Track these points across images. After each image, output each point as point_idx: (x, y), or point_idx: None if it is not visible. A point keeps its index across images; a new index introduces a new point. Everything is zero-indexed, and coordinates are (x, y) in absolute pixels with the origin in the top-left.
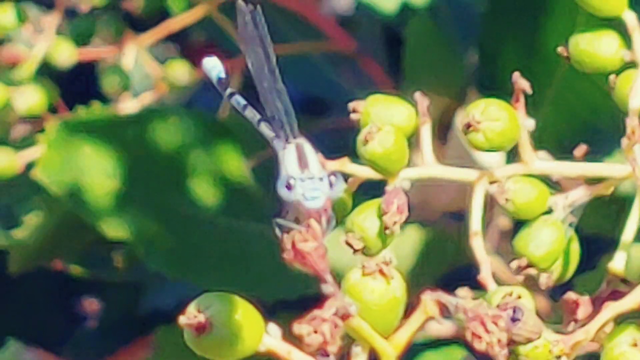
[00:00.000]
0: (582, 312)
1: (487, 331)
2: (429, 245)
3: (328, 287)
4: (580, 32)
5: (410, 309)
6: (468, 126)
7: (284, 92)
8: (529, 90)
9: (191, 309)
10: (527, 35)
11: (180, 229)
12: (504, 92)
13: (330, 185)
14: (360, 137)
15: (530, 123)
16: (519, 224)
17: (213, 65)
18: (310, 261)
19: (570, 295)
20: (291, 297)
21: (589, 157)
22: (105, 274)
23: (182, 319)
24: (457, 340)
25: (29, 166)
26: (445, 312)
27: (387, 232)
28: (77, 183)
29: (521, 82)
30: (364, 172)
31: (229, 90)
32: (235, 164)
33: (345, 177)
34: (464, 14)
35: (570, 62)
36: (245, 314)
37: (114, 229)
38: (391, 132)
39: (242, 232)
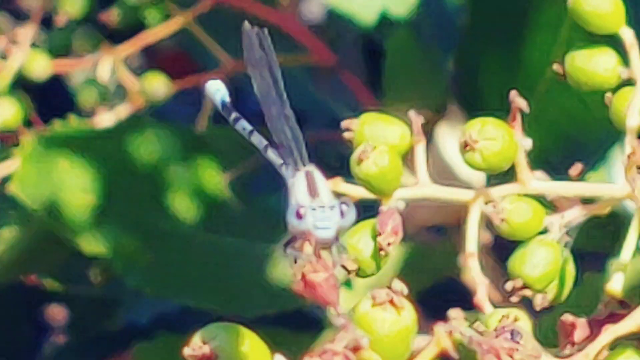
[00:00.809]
0: (578, 335)
1: None
2: (410, 260)
3: (339, 319)
4: (576, 49)
5: None
6: (465, 145)
7: (293, 118)
8: (526, 109)
9: (196, 339)
10: (508, 48)
11: (158, 244)
12: (485, 106)
13: (342, 214)
14: (354, 157)
15: (527, 142)
16: (499, 238)
17: (217, 89)
18: (320, 292)
19: (567, 317)
20: (270, 313)
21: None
22: (80, 289)
23: (187, 350)
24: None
25: (4, 180)
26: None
27: (382, 253)
28: (54, 198)
29: (518, 101)
30: (358, 192)
31: (234, 115)
32: (214, 178)
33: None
34: (445, 25)
35: (564, 79)
36: (251, 345)
37: (91, 244)
38: (386, 152)
39: (221, 247)
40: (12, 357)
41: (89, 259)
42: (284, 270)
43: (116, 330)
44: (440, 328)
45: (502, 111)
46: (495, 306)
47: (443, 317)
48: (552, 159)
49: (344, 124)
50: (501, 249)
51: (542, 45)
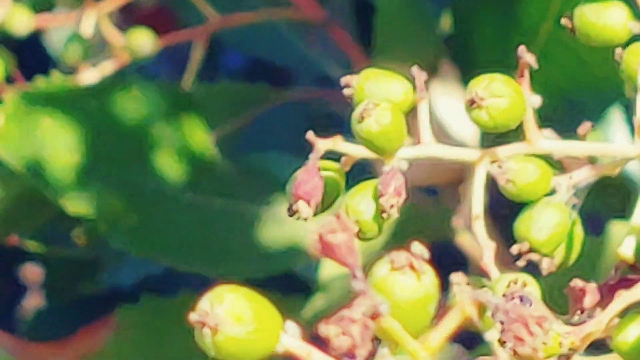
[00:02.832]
0: (589, 301)
1: (530, 334)
2: (403, 222)
3: (358, 283)
4: (585, 2)
5: None
6: (471, 103)
7: None
8: (535, 65)
9: (203, 304)
10: (504, 4)
11: (144, 205)
12: (479, 63)
13: None
14: (355, 114)
15: (536, 100)
16: (495, 199)
17: None
18: (339, 254)
19: (577, 282)
20: (258, 276)
21: (569, 131)
22: (63, 251)
23: (192, 316)
24: None
25: None
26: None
27: (384, 215)
28: (37, 157)
29: (527, 57)
30: (358, 152)
31: None
32: (201, 138)
33: (338, 156)
34: None
35: (573, 34)
36: (262, 311)
37: (75, 204)
38: (388, 109)
39: (208, 208)
40: None
41: (73, 220)
42: (273, 232)
43: (100, 293)
44: (463, 294)
45: (498, 68)
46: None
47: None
48: (550, 117)
49: (344, 80)
50: (498, 209)
51: (539, 1)
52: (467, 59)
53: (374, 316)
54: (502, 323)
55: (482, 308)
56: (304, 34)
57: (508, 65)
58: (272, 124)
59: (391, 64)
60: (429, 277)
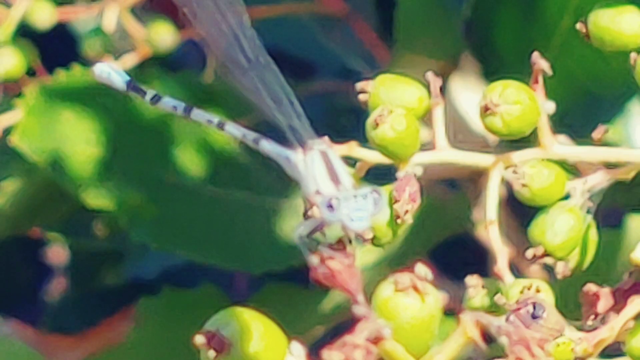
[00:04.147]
0: (602, 306)
1: (532, 355)
2: (422, 215)
3: (360, 308)
4: (600, 8)
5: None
6: (485, 109)
7: (279, 75)
8: (549, 72)
9: (208, 327)
10: None
11: (164, 198)
12: (499, 58)
13: (375, 203)
14: (370, 121)
15: (550, 106)
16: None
17: (107, 72)
18: (340, 280)
19: (590, 287)
20: (278, 269)
21: (589, 125)
22: (85, 243)
23: (199, 338)
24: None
25: (6, 131)
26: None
27: (399, 221)
28: (58, 151)
29: (540, 63)
30: (374, 157)
31: (150, 94)
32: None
33: (353, 161)
34: None
35: (588, 39)
36: (267, 333)
37: (96, 198)
38: (403, 115)
39: (228, 201)
40: (13, 304)
41: (94, 212)
42: (292, 224)
43: (121, 285)
44: (466, 317)
45: (517, 63)
46: (516, 276)
47: (455, 273)
48: (569, 112)
49: (359, 85)
50: (516, 202)
51: None
52: (487, 53)
53: (377, 340)
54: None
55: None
56: (326, 27)
57: (527, 60)
58: None
59: (412, 57)
60: (433, 298)
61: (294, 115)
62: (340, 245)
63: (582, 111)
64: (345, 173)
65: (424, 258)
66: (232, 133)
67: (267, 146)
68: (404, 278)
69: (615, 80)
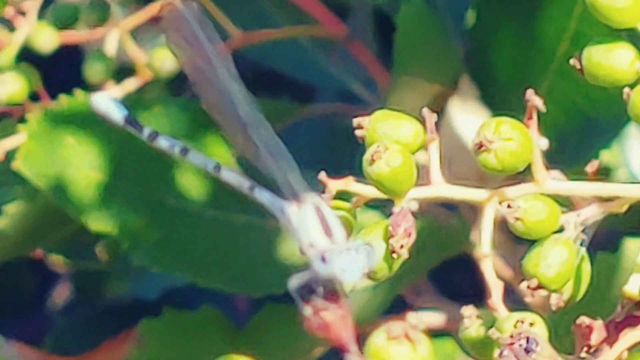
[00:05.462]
0: (595, 338)
1: None
2: (421, 237)
3: (353, 358)
4: (593, 43)
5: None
6: (479, 146)
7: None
8: (542, 108)
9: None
10: (522, 22)
11: (166, 222)
12: (497, 82)
13: (367, 256)
14: (367, 157)
15: (543, 142)
16: None
17: (107, 104)
18: (333, 331)
19: (583, 319)
20: (280, 292)
21: (586, 148)
22: (87, 264)
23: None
24: (449, 333)
25: (9, 154)
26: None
27: (394, 255)
28: (60, 175)
29: (534, 100)
30: (369, 192)
31: (148, 132)
32: (222, 154)
33: (350, 196)
34: None
35: (581, 74)
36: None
37: (98, 222)
38: (398, 151)
39: (230, 224)
40: (15, 324)
41: (96, 235)
42: (293, 247)
43: (123, 305)
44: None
45: (515, 87)
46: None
47: (455, 294)
48: (567, 135)
49: (355, 122)
50: None
51: (556, 19)
52: (486, 77)
53: None
54: None
55: None
56: (326, 50)
57: (525, 85)
58: (294, 140)
59: (411, 80)
60: (424, 346)
61: (289, 168)
62: (333, 296)
63: (580, 134)
64: (338, 226)
65: (424, 279)
66: (227, 179)
67: (262, 196)
68: (396, 327)
69: (612, 104)
